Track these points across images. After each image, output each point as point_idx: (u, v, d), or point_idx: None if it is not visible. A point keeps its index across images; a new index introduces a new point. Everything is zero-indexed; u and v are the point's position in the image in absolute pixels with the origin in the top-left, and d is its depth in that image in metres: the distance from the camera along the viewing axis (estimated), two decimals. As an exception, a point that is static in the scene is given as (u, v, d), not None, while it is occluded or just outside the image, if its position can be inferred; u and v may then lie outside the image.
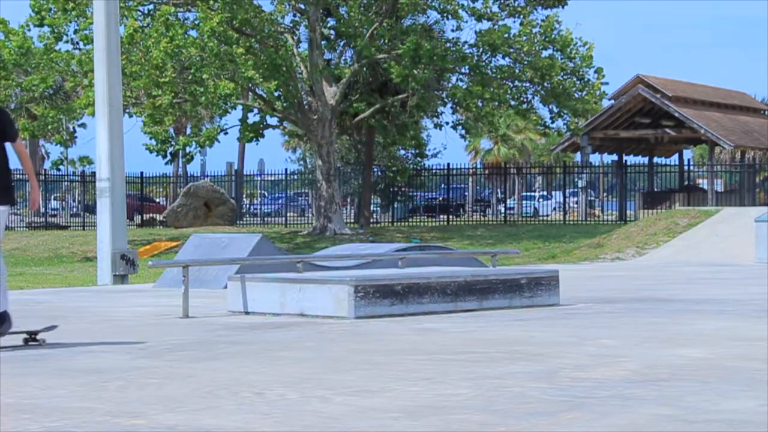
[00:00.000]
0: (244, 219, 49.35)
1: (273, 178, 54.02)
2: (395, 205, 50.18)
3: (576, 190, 50.15)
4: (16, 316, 11.28)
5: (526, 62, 35.51)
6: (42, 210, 54.46)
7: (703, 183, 52.01)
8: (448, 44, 36.37)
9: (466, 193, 63.90)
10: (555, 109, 36.47)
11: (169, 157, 35.93)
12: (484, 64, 35.79)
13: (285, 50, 35.87)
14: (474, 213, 58.09)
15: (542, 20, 35.79)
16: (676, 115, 45.44)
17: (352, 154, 53.14)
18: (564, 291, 12.28)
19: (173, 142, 35.35)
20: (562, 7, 36.50)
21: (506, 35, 35.08)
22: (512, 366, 7.23)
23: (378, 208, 50.68)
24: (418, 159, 50.40)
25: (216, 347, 8.44)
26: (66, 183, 56.73)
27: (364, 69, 37.42)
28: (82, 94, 34.40)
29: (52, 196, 59.53)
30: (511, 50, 35.34)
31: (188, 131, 42.59)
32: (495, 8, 36.31)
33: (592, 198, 56.25)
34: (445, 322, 10.17)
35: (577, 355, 7.81)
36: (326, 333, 9.40)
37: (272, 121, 38.03)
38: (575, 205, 50.08)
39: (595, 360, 7.50)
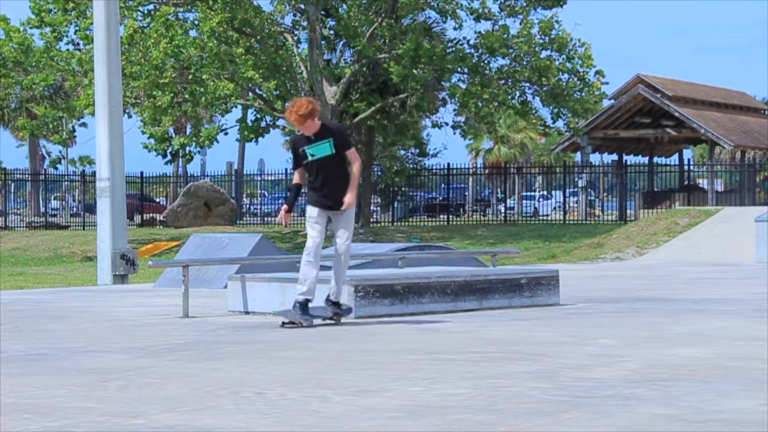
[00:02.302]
0: (244, 219, 49.34)
1: (273, 178, 53.99)
2: (395, 205, 50.16)
3: (576, 189, 50.11)
4: (17, 316, 11.29)
5: (525, 62, 35.48)
6: (42, 210, 54.50)
7: (703, 183, 51.98)
8: (448, 44, 36.34)
9: (467, 193, 63.85)
10: (555, 109, 36.43)
11: (168, 157, 35.89)
12: (483, 64, 35.76)
13: (285, 50, 35.85)
14: (474, 213, 58.04)
15: (540, 20, 35.73)
16: (676, 114, 45.41)
17: (351, 154, 53.09)
18: (564, 291, 12.27)
19: (172, 142, 35.33)
20: (561, 6, 36.45)
21: (505, 36, 35.04)
22: (512, 366, 7.22)
23: (378, 208, 50.66)
24: (419, 158, 50.44)
25: (216, 347, 8.44)
26: (66, 183, 56.71)
27: (364, 69, 37.40)
28: (82, 94, 34.39)
29: (52, 196, 59.51)
30: (510, 50, 35.30)
31: (188, 131, 42.52)
32: (494, 8, 36.30)
33: (592, 198, 56.23)
34: (445, 322, 10.17)
35: (577, 354, 7.81)
36: (326, 333, 9.40)
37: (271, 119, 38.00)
38: (575, 205, 50.02)
39: (595, 360, 7.50)
